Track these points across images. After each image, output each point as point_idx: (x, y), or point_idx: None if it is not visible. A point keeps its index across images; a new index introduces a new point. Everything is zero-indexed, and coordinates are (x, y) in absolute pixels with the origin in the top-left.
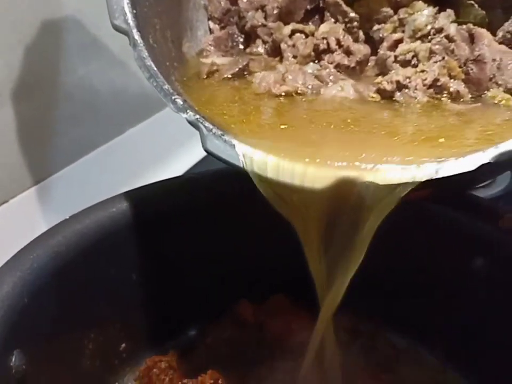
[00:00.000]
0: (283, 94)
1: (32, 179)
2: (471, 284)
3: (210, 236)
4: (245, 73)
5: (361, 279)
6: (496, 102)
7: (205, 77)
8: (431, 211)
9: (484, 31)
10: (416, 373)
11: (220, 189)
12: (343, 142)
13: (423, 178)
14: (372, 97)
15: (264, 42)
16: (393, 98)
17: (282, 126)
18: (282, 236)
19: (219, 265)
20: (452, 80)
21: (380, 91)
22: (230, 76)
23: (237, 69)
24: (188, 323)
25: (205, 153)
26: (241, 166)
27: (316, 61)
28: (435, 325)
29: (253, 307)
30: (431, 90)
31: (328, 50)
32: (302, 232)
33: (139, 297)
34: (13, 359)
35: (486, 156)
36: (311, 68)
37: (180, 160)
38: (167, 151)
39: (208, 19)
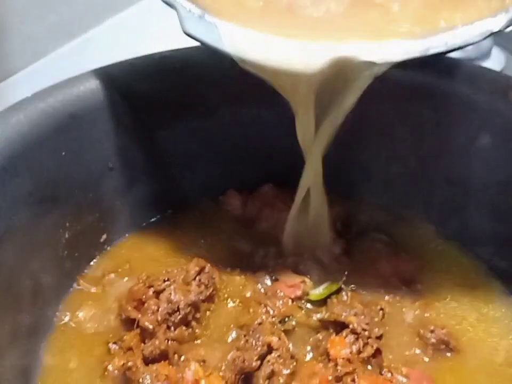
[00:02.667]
0: None
1: None
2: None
3: (188, 118)
4: None
5: (352, 166)
6: None
7: None
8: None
9: None
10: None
11: (195, 67)
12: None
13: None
14: None
15: None
16: None
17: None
18: (268, 122)
19: (201, 153)
20: None
21: None
22: None
23: None
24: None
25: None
26: (225, 48)
27: None
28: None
29: (241, 197)
30: None
31: None
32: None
33: (117, 185)
34: None
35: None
36: None
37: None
38: (148, 44)
39: None
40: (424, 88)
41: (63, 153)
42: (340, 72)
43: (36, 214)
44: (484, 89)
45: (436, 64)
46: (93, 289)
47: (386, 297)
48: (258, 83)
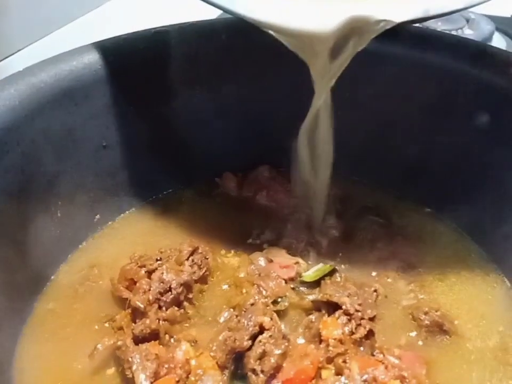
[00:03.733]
0: None
1: None
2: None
3: (184, 95)
4: None
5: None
6: None
7: None
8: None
9: None
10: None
11: (192, 42)
12: None
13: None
14: None
15: None
16: None
17: None
18: (264, 103)
19: (196, 133)
20: None
21: None
22: None
23: None
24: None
25: None
26: (240, 12)
27: None
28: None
29: (237, 179)
30: None
31: None
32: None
33: (110, 164)
34: None
35: None
36: None
37: None
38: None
39: None
40: (427, 67)
41: (55, 128)
42: (354, 29)
43: (25, 190)
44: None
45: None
46: (85, 269)
47: (382, 279)
48: (257, 60)
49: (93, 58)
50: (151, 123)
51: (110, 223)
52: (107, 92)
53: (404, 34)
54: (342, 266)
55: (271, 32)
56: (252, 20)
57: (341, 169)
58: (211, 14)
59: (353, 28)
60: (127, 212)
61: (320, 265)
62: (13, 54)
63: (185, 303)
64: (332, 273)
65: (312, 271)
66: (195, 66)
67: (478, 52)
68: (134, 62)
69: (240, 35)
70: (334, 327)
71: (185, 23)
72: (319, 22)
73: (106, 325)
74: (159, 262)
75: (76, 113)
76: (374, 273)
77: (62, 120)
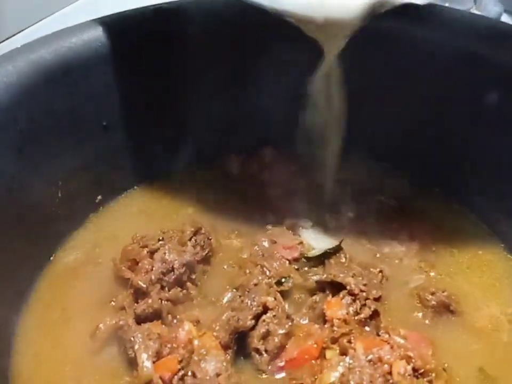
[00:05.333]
0: None
1: None
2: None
3: (187, 75)
4: None
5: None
6: None
7: None
8: None
9: None
10: None
11: (193, 18)
12: None
13: None
14: None
15: None
16: None
17: None
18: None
19: (200, 114)
20: None
21: None
22: None
23: None
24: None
25: None
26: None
27: None
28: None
29: (240, 160)
30: None
31: None
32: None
33: (111, 144)
34: None
35: None
36: None
37: None
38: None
39: None
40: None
41: (54, 107)
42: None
43: (24, 170)
44: None
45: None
46: (87, 249)
47: (388, 260)
48: (257, 37)
49: (93, 35)
50: (153, 103)
51: (111, 203)
52: (108, 71)
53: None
54: (349, 247)
55: (290, 19)
56: (275, 9)
57: (353, 152)
58: None
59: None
60: (128, 192)
61: (325, 245)
62: (13, 35)
63: (188, 284)
64: (336, 252)
65: (316, 252)
66: (196, 43)
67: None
68: (135, 40)
69: (240, 11)
70: (338, 307)
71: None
72: (343, 9)
73: (108, 305)
74: (161, 242)
75: (75, 92)
76: (378, 255)
77: (62, 98)
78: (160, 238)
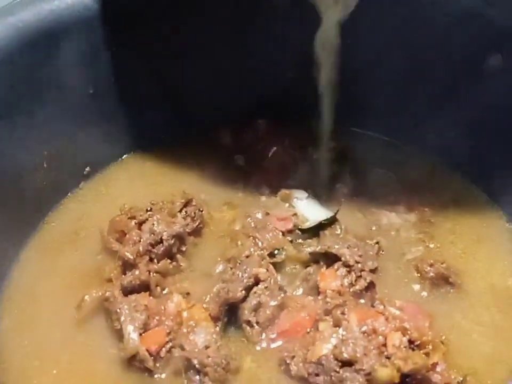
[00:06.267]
0: None
1: None
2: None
3: (177, 39)
4: None
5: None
6: None
7: None
8: None
9: None
10: None
11: None
12: None
13: None
14: None
15: None
16: None
17: None
18: (263, 52)
19: (190, 82)
20: None
21: None
22: None
23: None
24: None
25: None
26: None
27: None
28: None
29: (234, 132)
30: None
31: None
32: None
33: (98, 112)
34: None
35: None
36: None
37: None
38: None
39: None
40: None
41: (36, 73)
42: None
43: (3, 139)
44: None
45: None
46: (73, 220)
47: (385, 232)
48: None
49: None
50: (142, 70)
51: (100, 174)
52: (93, 35)
53: None
54: (345, 219)
55: None
56: None
57: (352, 123)
58: None
59: None
60: (117, 163)
61: (320, 217)
62: None
63: (178, 256)
64: (332, 223)
65: (311, 223)
66: (187, 4)
67: None
68: (122, 3)
69: None
70: (332, 279)
71: None
72: None
73: (95, 277)
74: (149, 213)
75: (59, 57)
76: (375, 227)
77: (44, 65)
78: (149, 209)
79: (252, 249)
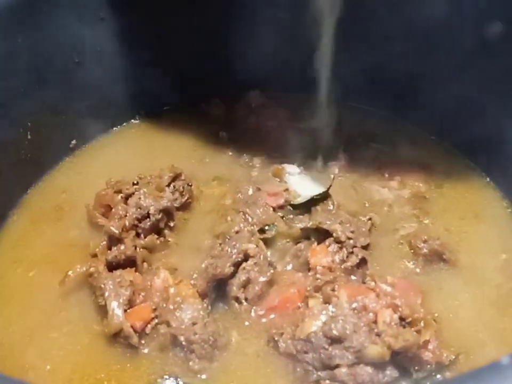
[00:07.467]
0: None
1: None
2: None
3: (169, 8)
4: None
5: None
6: None
7: None
8: None
9: None
10: None
11: None
12: None
13: None
14: None
15: None
16: None
17: None
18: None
19: (180, 52)
20: None
21: None
22: None
23: None
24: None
25: None
26: None
27: None
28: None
29: (225, 104)
30: None
31: None
32: None
33: (84, 82)
34: None
35: None
36: None
37: None
38: None
39: None
40: None
41: (19, 40)
42: None
43: None
44: None
45: None
46: (58, 194)
47: (378, 208)
48: None
49: None
50: (130, 38)
51: (85, 146)
52: (79, 2)
53: None
54: (338, 195)
55: None
56: None
57: (345, 98)
58: None
59: None
60: (104, 136)
61: (312, 192)
62: None
63: (166, 231)
64: (324, 199)
65: (302, 198)
66: None
67: None
68: None
69: None
70: (323, 255)
71: None
72: None
73: (80, 252)
74: (136, 186)
75: (41, 23)
76: (368, 204)
77: (25, 31)
78: (135, 183)
79: (241, 225)
